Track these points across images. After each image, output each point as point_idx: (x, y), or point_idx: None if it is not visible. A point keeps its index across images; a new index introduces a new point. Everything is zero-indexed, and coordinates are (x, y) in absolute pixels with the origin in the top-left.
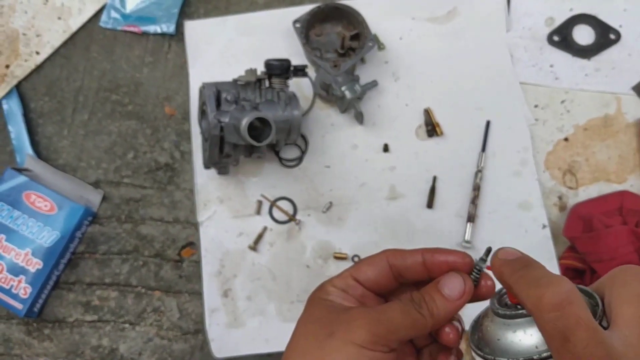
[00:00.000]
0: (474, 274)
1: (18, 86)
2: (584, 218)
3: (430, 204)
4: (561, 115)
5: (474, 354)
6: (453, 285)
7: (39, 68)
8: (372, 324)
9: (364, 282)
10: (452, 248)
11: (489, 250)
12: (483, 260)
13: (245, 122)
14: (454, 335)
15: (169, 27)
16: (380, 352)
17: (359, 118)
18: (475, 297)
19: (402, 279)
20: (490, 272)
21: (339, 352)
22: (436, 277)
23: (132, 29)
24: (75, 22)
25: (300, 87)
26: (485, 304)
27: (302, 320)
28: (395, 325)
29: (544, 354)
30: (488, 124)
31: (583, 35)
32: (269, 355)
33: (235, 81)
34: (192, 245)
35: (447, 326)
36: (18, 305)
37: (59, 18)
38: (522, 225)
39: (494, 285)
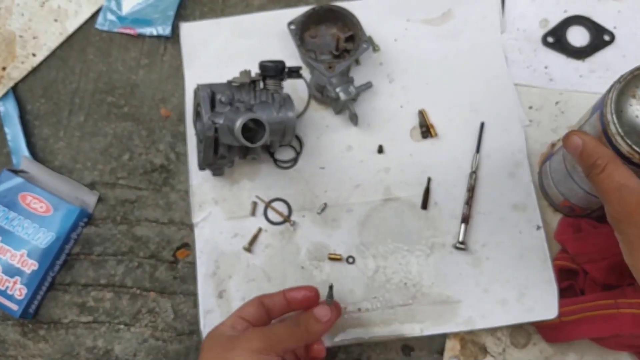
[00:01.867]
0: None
1: (14, 88)
2: (574, 223)
3: (424, 205)
4: (555, 116)
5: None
6: (323, 312)
7: (35, 70)
8: (265, 337)
9: (247, 317)
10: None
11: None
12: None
13: (239, 123)
14: (321, 350)
15: (164, 30)
16: (272, 356)
17: (354, 119)
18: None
19: (272, 315)
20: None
21: (241, 357)
22: (295, 310)
23: (128, 31)
24: (72, 25)
25: (295, 88)
26: None
27: (205, 347)
28: (282, 337)
29: None
30: (482, 125)
31: (577, 36)
32: None
33: (229, 83)
34: (187, 246)
35: (316, 343)
36: (13, 307)
37: (56, 20)
38: (517, 226)
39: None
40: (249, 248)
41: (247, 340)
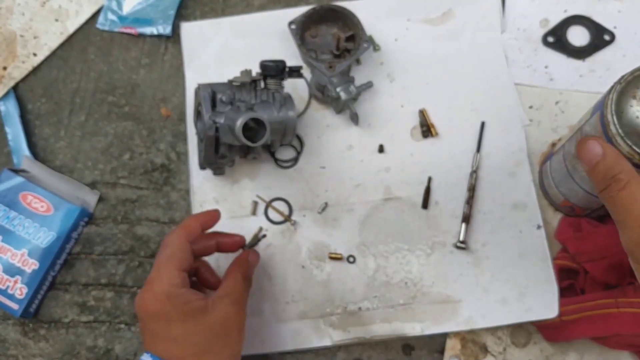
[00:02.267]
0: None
1: (15, 88)
2: (574, 222)
3: (425, 205)
4: (556, 116)
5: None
6: (256, 255)
7: (36, 70)
8: (242, 312)
9: (187, 268)
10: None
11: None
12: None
13: (239, 122)
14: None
15: (165, 29)
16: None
17: (354, 119)
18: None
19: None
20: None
21: (236, 343)
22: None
23: (128, 30)
24: (73, 24)
25: (296, 88)
26: None
27: (185, 331)
28: (246, 300)
29: None
30: (483, 124)
31: (577, 36)
32: (265, 355)
33: (230, 82)
34: None
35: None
36: (14, 306)
37: (57, 20)
38: (517, 225)
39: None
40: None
41: (238, 324)
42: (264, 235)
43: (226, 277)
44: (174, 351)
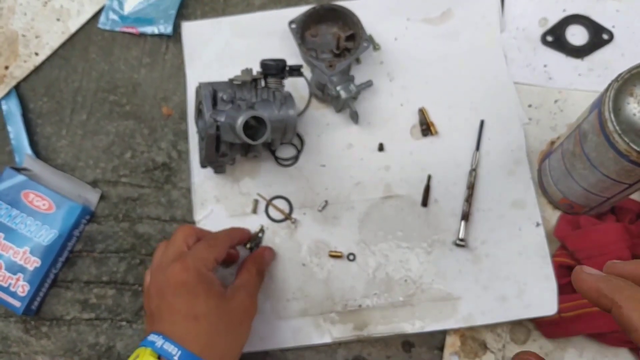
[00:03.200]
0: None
1: (17, 87)
2: (573, 220)
3: (424, 203)
4: (555, 114)
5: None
6: (271, 253)
7: (38, 69)
8: (254, 304)
9: (220, 261)
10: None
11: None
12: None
13: (240, 120)
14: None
15: (166, 28)
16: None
17: (354, 118)
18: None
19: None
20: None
21: (246, 333)
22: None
23: (130, 30)
24: (74, 24)
25: (296, 87)
26: None
27: (207, 307)
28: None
29: None
30: (482, 123)
31: (576, 35)
32: (265, 353)
33: (231, 81)
34: None
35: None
36: (16, 303)
37: (58, 20)
38: (516, 223)
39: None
40: (250, 246)
41: (249, 313)
42: (262, 233)
43: (242, 270)
44: (193, 330)
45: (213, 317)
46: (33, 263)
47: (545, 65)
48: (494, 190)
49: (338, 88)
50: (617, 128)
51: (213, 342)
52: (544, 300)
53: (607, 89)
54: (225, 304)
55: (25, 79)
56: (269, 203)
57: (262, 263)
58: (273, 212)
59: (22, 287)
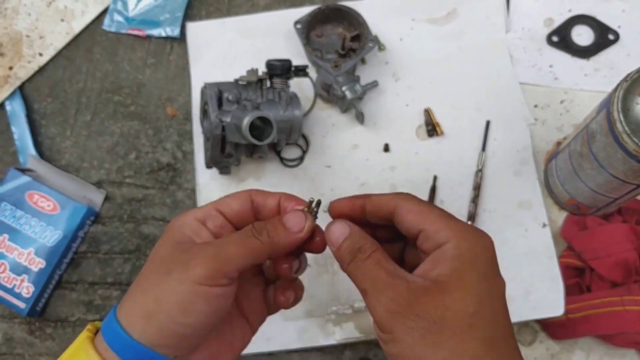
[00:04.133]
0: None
1: (21, 87)
2: (579, 220)
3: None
4: (560, 115)
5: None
6: (296, 219)
7: (42, 70)
8: (209, 259)
9: (226, 212)
10: None
11: (318, 202)
12: (314, 212)
13: (246, 121)
14: (288, 269)
15: (173, 31)
16: (217, 287)
17: (360, 118)
18: (309, 248)
19: (259, 216)
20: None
21: (173, 291)
22: None
23: (136, 32)
24: (78, 24)
25: (302, 87)
26: None
27: (151, 254)
28: (231, 254)
29: None
30: (488, 123)
31: (582, 35)
32: (271, 354)
33: (236, 81)
34: None
35: (285, 261)
36: (21, 304)
37: (62, 20)
38: (522, 224)
39: (323, 242)
40: None
41: (185, 268)
42: (319, 203)
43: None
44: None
45: (146, 266)
46: (38, 264)
47: (550, 66)
48: (500, 191)
49: (343, 88)
50: (626, 128)
51: (131, 296)
52: (550, 301)
53: (615, 89)
54: (170, 251)
55: (30, 79)
56: None
57: (269, 224)
58: None
59: (26, 288)
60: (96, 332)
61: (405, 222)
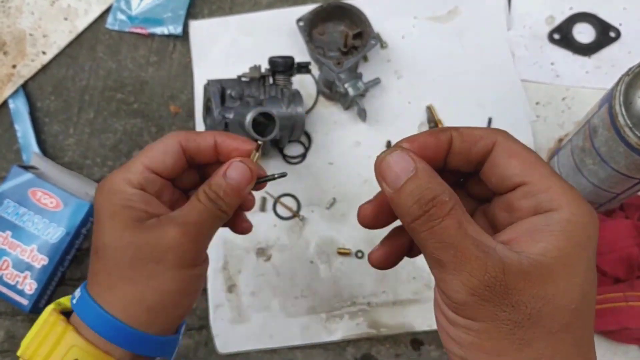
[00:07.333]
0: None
1: (25, 86)
2: None
3: None
4: (562, 112)
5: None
6: (236, 172)
7: (45, 68)
8: (191, 240)
9: (162, 172)
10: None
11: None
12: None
13: (249, 117)
14: (247, 227)
15: (176, 29)
16: (204, 263)
17: (362, 115)
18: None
19: (194, 161)
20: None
21: (173, 280)
22: (224, 161)
23: (139, 30)
24: (82, 23)
25: (304, 85)
26: None
27: (105, 234)
28: (206, 233)
29: None
30: (490, 121)
31: (583, 33)
32: (273, 350)
33: (239, 78)
34: None
35: (239, 219)
36: (23, 301)
37: (65, 19)
38: None
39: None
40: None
41: (175, 252)
42: (283, 175)
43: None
44: (94, 267)
45: (115, 251)
46: (40, 261)
47: (552, 63)
48: None
49: (346, 85)
50: (628, 122)
51: (113, 284)
52: None
53: (617, 83)
54: (138, 235)
55: (33, 77)
56: (276, 201)
57: (220, 190)
58: (281, 210)
59: (29, 285)
60: (62, 312)
61: (503, 168)
